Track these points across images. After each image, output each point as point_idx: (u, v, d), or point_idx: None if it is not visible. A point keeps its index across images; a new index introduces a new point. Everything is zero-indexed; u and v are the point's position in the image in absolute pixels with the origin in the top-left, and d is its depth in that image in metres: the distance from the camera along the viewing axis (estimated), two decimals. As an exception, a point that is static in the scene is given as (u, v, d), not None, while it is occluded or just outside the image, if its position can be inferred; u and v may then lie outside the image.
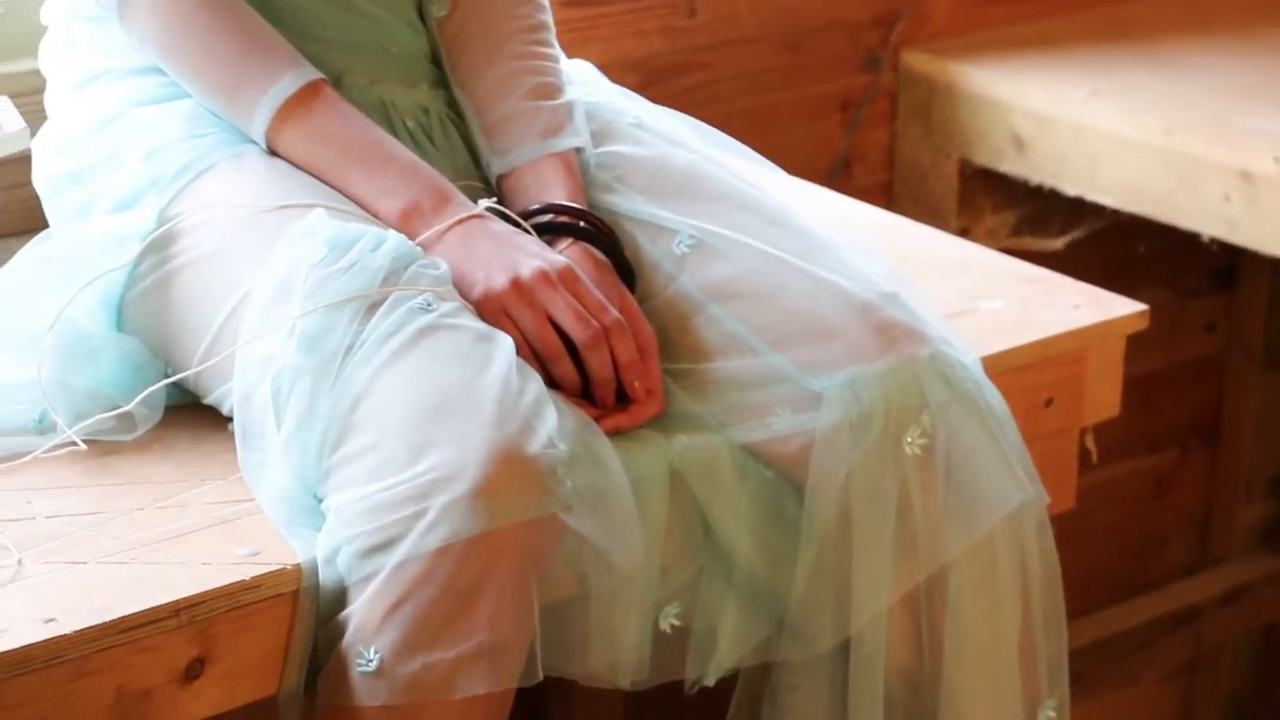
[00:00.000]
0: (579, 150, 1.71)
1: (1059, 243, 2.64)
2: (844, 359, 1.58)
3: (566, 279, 1.56)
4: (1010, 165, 2.55)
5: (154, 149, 1.64)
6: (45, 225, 1.75)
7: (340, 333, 1.48)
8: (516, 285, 1.55)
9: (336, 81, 1.70)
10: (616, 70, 2.06)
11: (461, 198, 1.62)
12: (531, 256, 1.57)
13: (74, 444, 1.58)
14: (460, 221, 1.59)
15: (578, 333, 1.55)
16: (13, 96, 1.68)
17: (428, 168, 1.62)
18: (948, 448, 1.58)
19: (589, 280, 1.58)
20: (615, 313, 1.57)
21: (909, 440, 1.57)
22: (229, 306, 1.57)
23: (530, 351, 1.55)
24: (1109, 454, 2.14)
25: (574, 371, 1.56)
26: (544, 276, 1.55)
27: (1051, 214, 2.64)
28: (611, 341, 1.56)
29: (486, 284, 1.56)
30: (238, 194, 1.60)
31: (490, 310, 1.55)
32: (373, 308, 1.49)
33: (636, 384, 1.57)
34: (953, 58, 2.60)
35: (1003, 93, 2.54)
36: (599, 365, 1.56)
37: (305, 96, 1.62)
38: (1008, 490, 1.60)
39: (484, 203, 1.62)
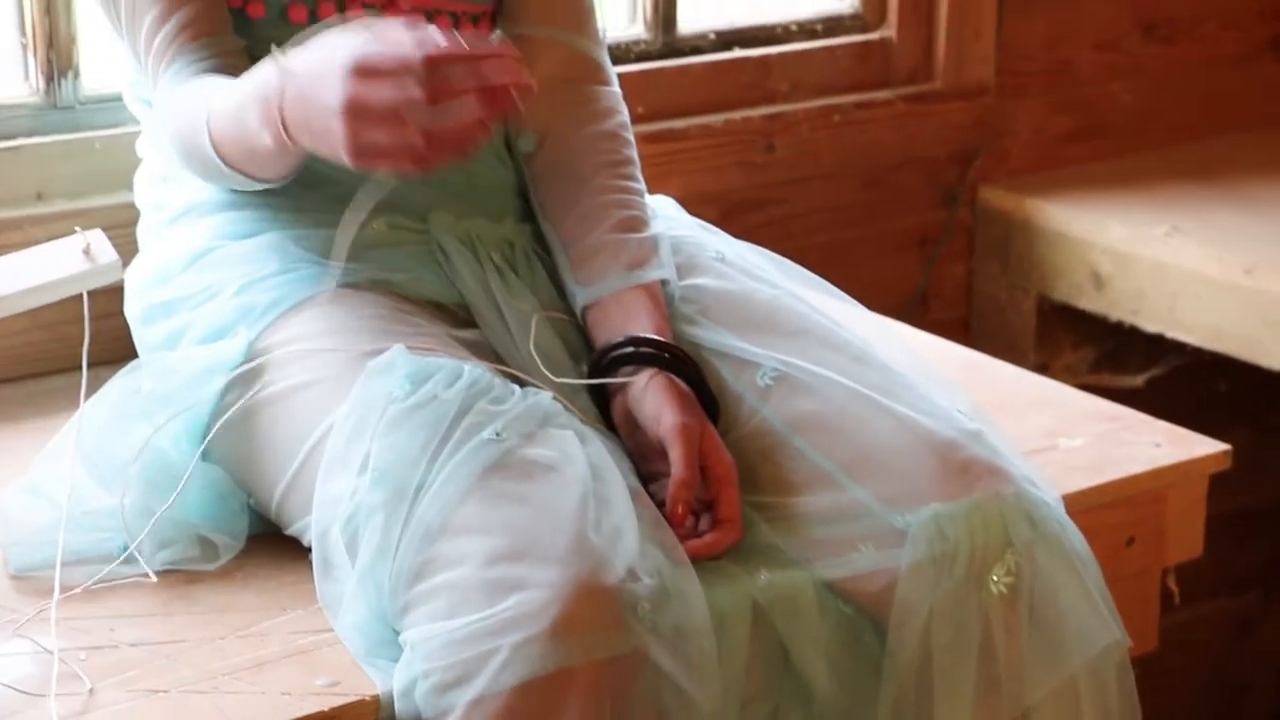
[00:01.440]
0: (664, 283, 1.72)
1: (1139, 380, 2.63)
2: (928, 496, 1.57)
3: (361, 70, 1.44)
4: (1089, 302, 2.54)
5: (247, 282, 1.67)
6: (134, 355, 1.78)
7: (413, 468, 1.49)
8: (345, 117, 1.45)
9: (422, 217, 1.72)
10: (696, 205, 2.07)
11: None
12: (328, 91, 1.46)
13: (156, 573, 1.59)
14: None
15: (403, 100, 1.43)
16: (106, 228, 1.71)
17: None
18: (1032, 587, 1.57)
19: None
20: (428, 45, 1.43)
21: (994, 579, 1.56)
22: (311, 441, 1.58)
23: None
24: (1191, 595, 2.12)
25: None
26: (351, 99, 1.44)
27: (1131, 351, 2.63)
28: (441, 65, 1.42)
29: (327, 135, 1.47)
30: (326, 330, 1.62)
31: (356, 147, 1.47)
32: (445, 441, 1.50)
33: None
34: (1031, 194, 2.61)
35: (1081, 229, 2.54)
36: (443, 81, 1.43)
37: None
38: (1092, 632, 1.59)
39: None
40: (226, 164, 1.61)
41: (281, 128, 1.51)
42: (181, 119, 1.65)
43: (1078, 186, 2.64)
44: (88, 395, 1.67)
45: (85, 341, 1.64)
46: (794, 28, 2.55)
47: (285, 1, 1.70)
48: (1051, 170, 2.69)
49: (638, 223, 1.74)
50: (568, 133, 1.78)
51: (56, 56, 2.04)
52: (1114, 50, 2.74)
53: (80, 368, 1.65)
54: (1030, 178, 2.66)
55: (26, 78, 2.06)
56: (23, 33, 2.04)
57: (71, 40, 2.03)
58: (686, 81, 2.44)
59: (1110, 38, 2.73)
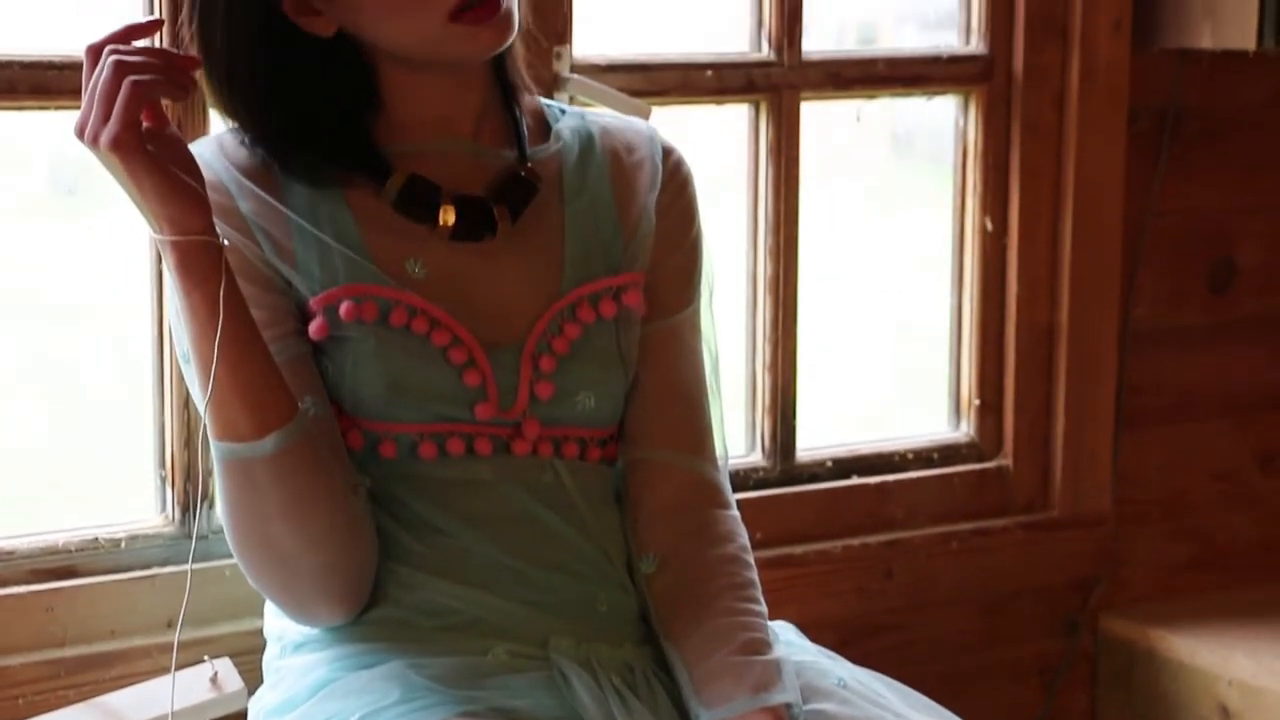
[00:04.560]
0: (789, 707, 1.72)
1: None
2: None
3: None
4: (1219, 734, 2.50)
5: (369, 712, 1.68)
6: (255, 783, 1.78)
7: None
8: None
9: (541, 644, 1.74)
10: (814, 629, 2.08)
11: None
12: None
13: None
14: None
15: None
16: (234, 655, 1.74)
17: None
18: None
19: None
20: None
21: None
22: None
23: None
24: None
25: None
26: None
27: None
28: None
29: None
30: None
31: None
32: None
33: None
34: (1153, 624, 2.59)
35: (1207, 660, 2.51)
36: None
37: None
38: None
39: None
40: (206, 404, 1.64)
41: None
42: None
43: (1201, 617, 2.61)
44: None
45: (210, 772, 1.65)
46: (910, 456, 2.58)
47: (415, 439, 1.75)
48: (1173, 600, 2.67)
49: (761, 645, 1.75)
50: (689, 556, 1.80)
51: (193, 488, 2.10)
52: (1231, 481, 2.75)
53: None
54: (1152, 607, 2.65)
55: (163, 509, 2.12)
56: (162, 466, 2.12)
57: (208, 473, 2.10)
58: (805, 508, 2.47)
59: (1227, 468, 2.74)
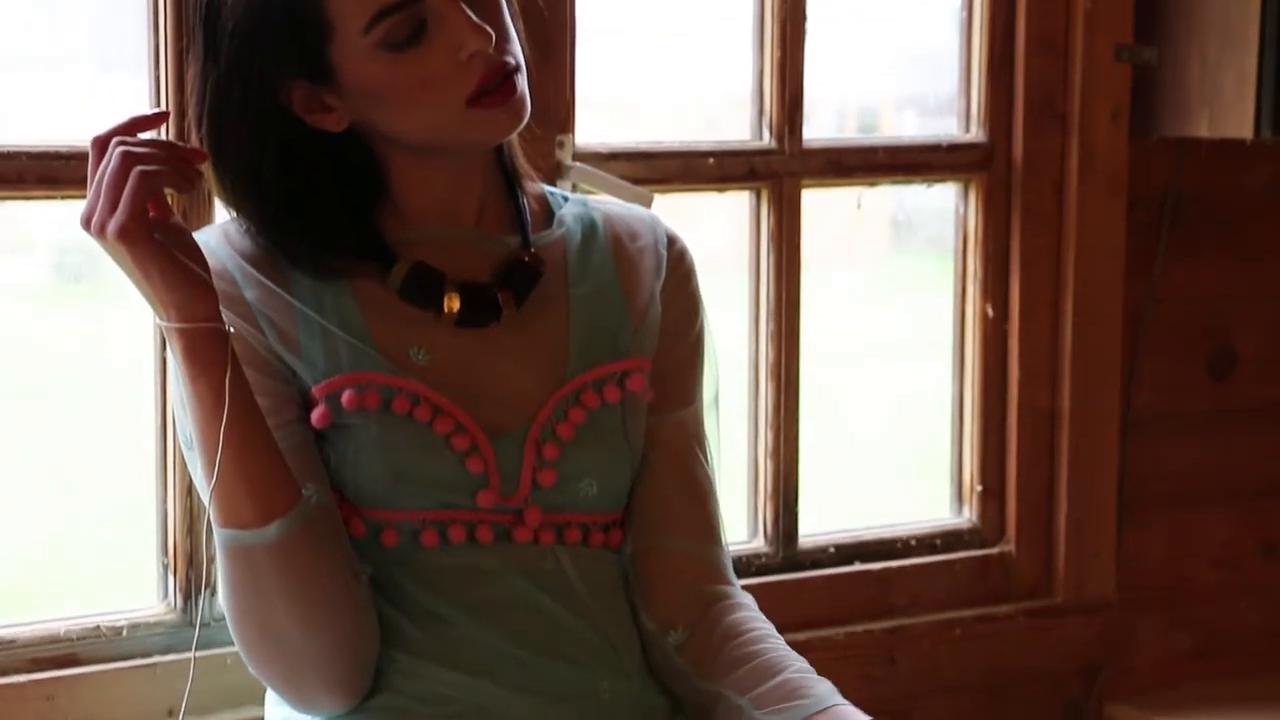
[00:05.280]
0: None
1: None
2: None
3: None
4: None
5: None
6: None
7: None
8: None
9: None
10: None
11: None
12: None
13: None
14: None
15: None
16: (235, 744, 1.74)
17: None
18: None
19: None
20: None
21: None
22: None
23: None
24: None
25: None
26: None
27: None
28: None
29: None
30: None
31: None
32: None
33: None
34: (1158, 712, 2.58)
35: (1212, 752, 2.50)
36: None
37: None
38: None
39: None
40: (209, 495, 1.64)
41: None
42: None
43: (1205, 705, 2.61)
44: None
45: None
46: (913, 542, 2.58)
47: (417, 527, 1.75)
48: (1177, 688, 2.66)
49: (813, 675, 1.75)
50: (718, 616, 1.80)
51: (195, 575, 2.10)
52: (1234, 568, 2.74)
53: None
54: (1157, 695, 2.64)
55: (164, 596, 2.12)
56: (165, 553, 2.12)
57: (210, 559, 2.09)
58: (807, 595, 2.47)
59: (1231, 556, 2.74)
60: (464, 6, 1.68)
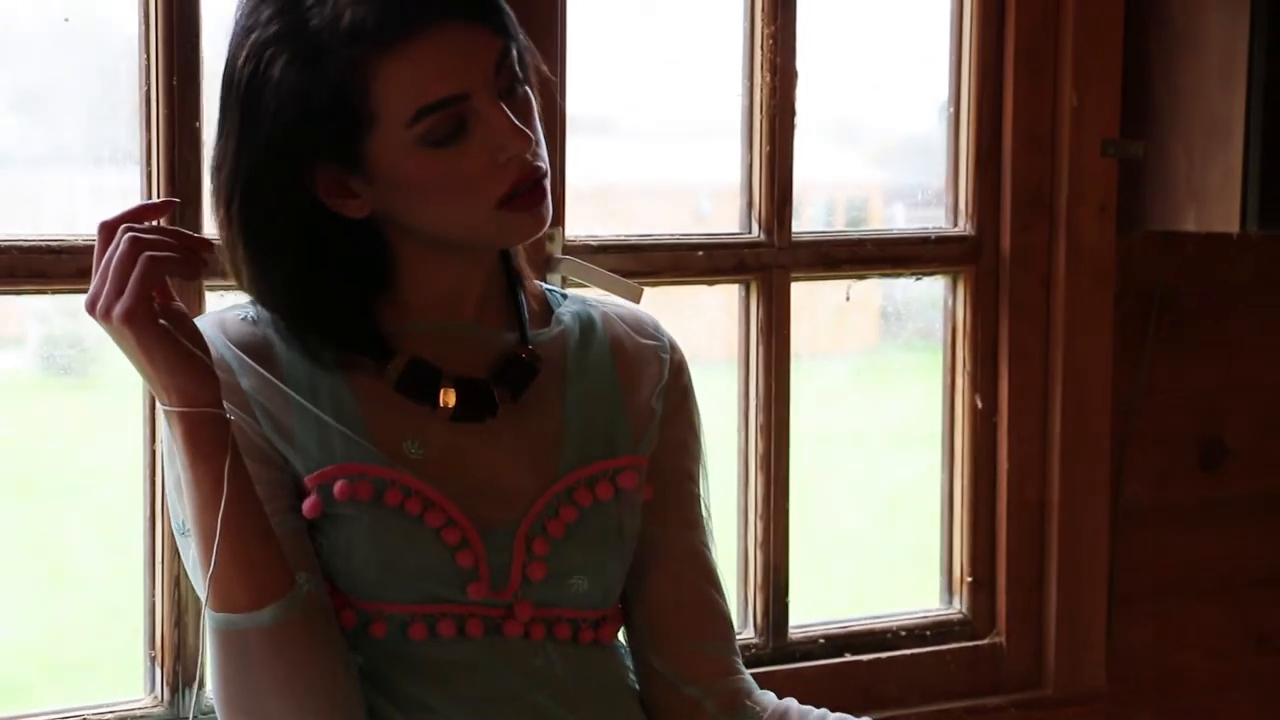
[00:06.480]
0: None
1: None
2: None
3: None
4: None
5: None
6: None
7: None
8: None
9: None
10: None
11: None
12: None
13: None
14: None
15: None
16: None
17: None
18: None
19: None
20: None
21: None
22: None
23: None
24: None
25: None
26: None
27: None
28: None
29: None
30: None
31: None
32: None
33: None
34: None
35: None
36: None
37: None
38: None
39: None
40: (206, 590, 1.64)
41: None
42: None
43: None
44: None
45: None
46: (903, 633, 2.58)
47: (406, 619, 1.75)
48: None
49: None
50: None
51: (183, 669, 2.09)
52: (1226, 659, 2.74)
53: None
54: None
55: (152, 689, 2.11)
56: (152, 645, 2.11)
57: (198, 652, 2.09)
58: (798, 686, 2.45)
59: (1223, 647, 2.74)
60: (505, 108, 1.69)
